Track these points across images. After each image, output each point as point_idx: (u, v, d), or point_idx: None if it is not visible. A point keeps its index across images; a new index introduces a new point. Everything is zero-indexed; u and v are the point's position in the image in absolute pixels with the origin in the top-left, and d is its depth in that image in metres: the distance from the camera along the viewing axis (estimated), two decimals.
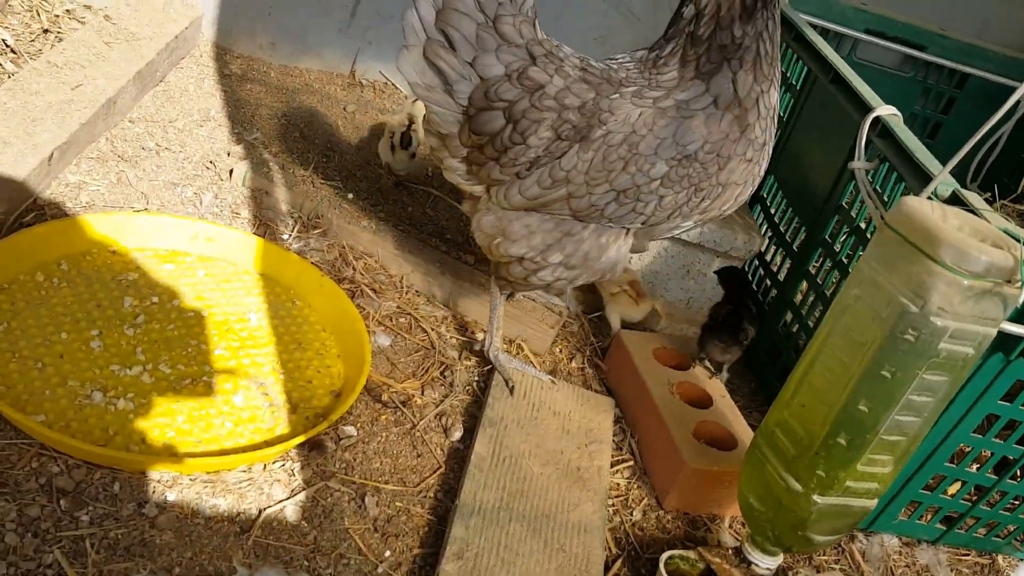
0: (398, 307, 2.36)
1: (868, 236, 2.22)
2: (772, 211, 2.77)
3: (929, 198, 1.84)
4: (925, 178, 1.93)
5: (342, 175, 2.73)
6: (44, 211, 2.12)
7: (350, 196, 2.62)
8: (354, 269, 2.40)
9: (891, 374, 1.56)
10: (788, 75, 2.78)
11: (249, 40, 3.17)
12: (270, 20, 3.13)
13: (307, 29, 3.17)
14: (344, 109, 3.15)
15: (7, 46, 2.62)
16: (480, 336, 2.37)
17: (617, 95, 1.83)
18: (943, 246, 1.46)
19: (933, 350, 1.52)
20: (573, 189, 1.86)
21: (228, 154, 2.62)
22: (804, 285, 2.51)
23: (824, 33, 3.02)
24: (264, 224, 2.43)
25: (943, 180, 1.82)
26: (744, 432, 2.17)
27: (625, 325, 2.52)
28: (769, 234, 2.78)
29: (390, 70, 3.32)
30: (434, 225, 2.72)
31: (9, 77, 2.49)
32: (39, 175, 2.12)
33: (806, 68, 2.63)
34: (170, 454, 1.68)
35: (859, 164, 2.12)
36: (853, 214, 2.30)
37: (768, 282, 2.74)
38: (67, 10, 2.90)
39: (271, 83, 3.12)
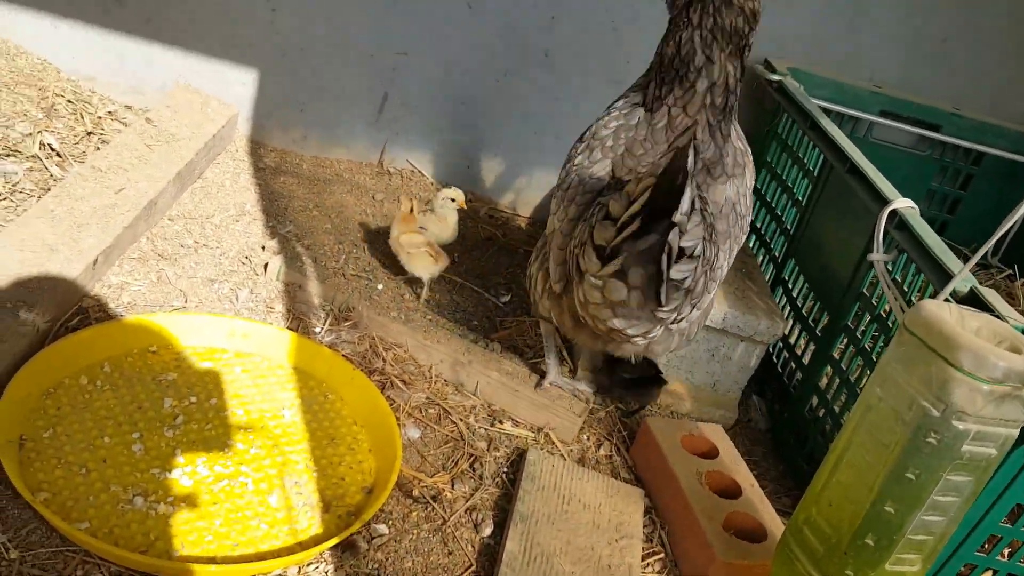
0: (427, 398, 2.41)
1: (890, 324, 2.25)
2: (794, 295, 2.81)
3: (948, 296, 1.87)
4: (944, 272, 1.96)
5: (372, 265, 2.82)
6: (88, 314, 2.21)
7: (379, 287, 2.70)
8: (384, 360, 2.46)
9: (916, 476, 1.58)
10: (805, 161, 2.84)
11: (283, 134, 3.30)
12: (302, 115, 3.26)
13: (338, 122, 3.30)
14: (373, 198, 3.25)
15: (53, 150, 2.76)
16: (508, 425, 2.41)
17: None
18: (961, 351, 1.49)
19: (956, 452, 1.55)
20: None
21: (263, 248, 2.72)
22: (829, 369, 2.54)
23: (839, 117, 3.10)
24: (297, 318, 2.51)
25: (963, 278, 1.85)
26: (774, 523, 2.17)
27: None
28: (792, 318, 2.81)
29: (416, 158, 3.43)
30: (461, 312, 2.78)
31: (56, 181, 2.62)
32: (84, 279, 2.22)
33: (822, 156, 2.69)
34: (209, 560, 1.72)
35: (878, 256, 2.16)
36: (874, 301, 2.34)
37: (793, 365, 2.76)
38: (109, 112, 3.05)
39: (303, 174, 3.24)
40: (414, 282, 2.80)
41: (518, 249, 3.26)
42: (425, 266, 2.71)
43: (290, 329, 2.40)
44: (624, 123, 2.11)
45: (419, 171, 3.46)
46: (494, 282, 3.01)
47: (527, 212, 3.54)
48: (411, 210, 2.79)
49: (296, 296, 2.56)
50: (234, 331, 2.31)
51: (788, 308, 2.84)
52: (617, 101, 2.21)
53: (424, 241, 2.73)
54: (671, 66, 2.01)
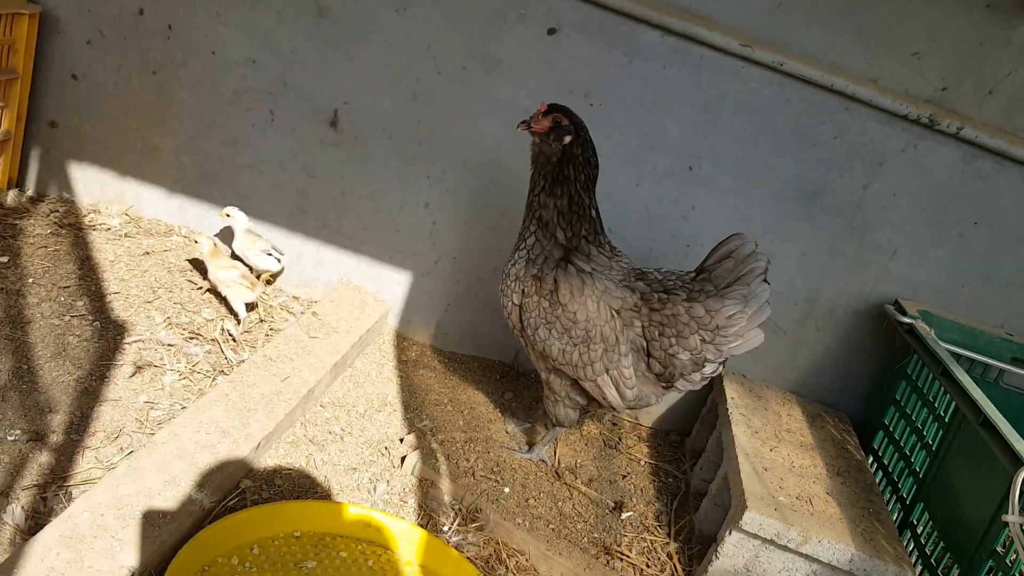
0: None
1: None
2: (923, 541, 2.74)
3: None
4: None
5: (500, 467, 2.95)
6: (246, 495, 2.41)
7: (506, 491, 2.81)
8: (507, 568, 2.53)
9: None
10: (936, 405, 2.85)
11: (425, 330, 3.57)
12: (446, 314, 3.54)
13: (479, 324, 3.56)
14: (503, 396, 3.43)
15: (230, 335, 3.10)
16: None
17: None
18: None
19: None
20: None
21: (401, 440, 2.90)
22: None
23: (969, 361, 3.11)
24: (428, 514, 2.64)
25: None
26: None
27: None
28: (920, 565, 2.73)
29: None
30: (584, 523, 2.84)
31: (233, 365, 2.93)
32: (247, 462, 2.45)
33: (954, 403, 2.71)
34: None
35: (1013, 518, 2.13)
36: (1008, 562, 2.27)
37: None
38: (282, 303, 3.40)
39: (440, 369, 3.47)
40: (233, 312, 3.19)
41: (639, 460, 3.33)
42: (243, 296, 3.12)
43: (420, 526, 2.53)
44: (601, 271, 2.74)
45: None
46: (612, 493, 3.07)
47: (648, 422, 3.63)
48: (215, 245, 3.18)
49: (428, 492, 2.70)
50: (370, 523, 2.45)
51: (916, 554, 2.76)
52: (530, 268, 2.77)
53: (240, 273, 3.13)
54: (574, 212, 2.72)
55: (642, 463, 3.33)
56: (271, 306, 3.37)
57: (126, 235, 3.43)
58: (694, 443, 3.46)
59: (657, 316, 2.68)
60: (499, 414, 3.30)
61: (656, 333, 2.68)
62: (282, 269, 3.48)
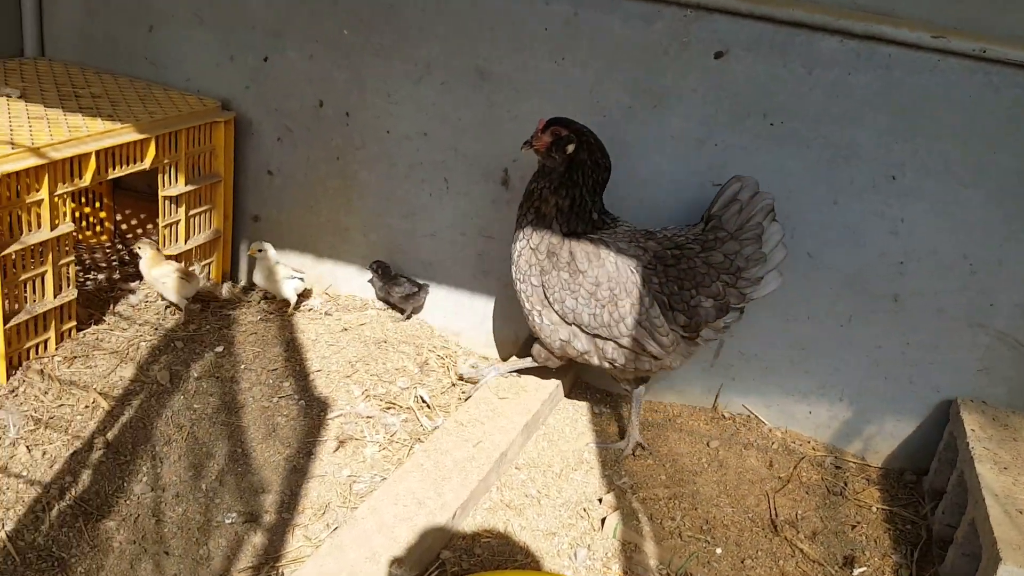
0: None
1: None
2: None
3: None
4: None
5: (709, 524, 2.74)
6: (445, 567, 2.39)
7: (718, 551, 2.61)
8: None
9: None
10: None
11: None
12: None
13: (673, 373, 3.38)
14: (708, 444, 3.22)
15: (424, 402, 3.14)
16: None
17: None
18: None
19: None
20: None
21: (599, 500, 2.78)
22: None
23: None
24: None
25: None
26: None
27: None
28: None
29: (751, 402, 3.38)
30: None
31: (427, 432, 2.96)
32: (444, 532, 2.43)
33: None
34: None
35: None
36: None
37: None
38: (471, 364, 3.42)
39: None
40: (172, 305, 3.32)
41: (870, 506, 2.99)
42: (179, 288, 3.20)
43: None
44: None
45: (755, 416, 3.38)
46: (841, 546, 2.76)
47: (877, 462, 3.26)
48: (157, 250, 3.26)
49: (632, 557, 2.55)
50: None
51: None
52: (539, 249, 2.87)
53: (173, 268, 3.22)
54: (574, 212, 2.81)
55: (873, 509, 2.98)
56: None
57: (326, 313, 3.62)
58: (933, 482, 3.06)
59: (673, 271, 2.79)
60: (704, 465, 3.09)
61: (676, 288, 2.79)
62: (306, 288, 3.64)
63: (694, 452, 3.17)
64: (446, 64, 3.28)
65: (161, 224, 3.34)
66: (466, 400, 3.08)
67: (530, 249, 2.88)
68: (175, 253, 3.39)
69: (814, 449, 3.26)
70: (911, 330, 3.10)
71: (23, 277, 2.77)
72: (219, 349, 3.17)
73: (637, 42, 3.06)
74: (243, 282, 3.83)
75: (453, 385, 3.30)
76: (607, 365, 2.91)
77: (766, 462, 3.14)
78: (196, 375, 2.98)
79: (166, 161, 3.24)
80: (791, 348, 3.24)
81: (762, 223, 2.78)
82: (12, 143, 2.68)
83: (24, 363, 2.84)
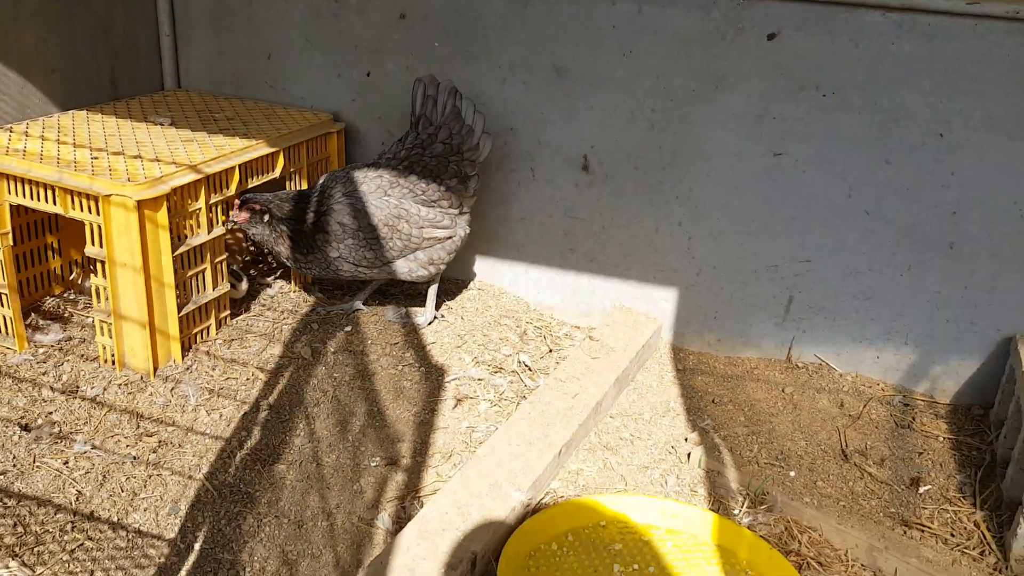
0: None
1: None
2: None
3: None
4: None
5: (784, 455, 3.09)
6: (556, 492, 2.82)
7: (792, 474, 2.96)
8: (799, 543, 2.68)
9: None
10: None
11: (698, 339, 3.81)
12: (716, 321, 3.76)
13: (748, 326, 3.73)
14: (783, 391, 3.56)
15: (526, 366, 3.58)
16: None
17: None
18: None
19: None
20: None
21: (685, 439, 3.17)
22: None
23: None
24: (717, 501, 2.87)
25: None
26: None
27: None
28: None
29: (823, 352, 3.69)
30: (877, 500, 2.90)
31: (529, 390, 3.40)
32: (553, 467, 2.86)
33: None
34: None
35: None
36: None
37: None
38: (565, 333, 3.85)
39: (717, 373, 3.68)
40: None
41: (936, 436, 3.28)
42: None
43: (712, 511, 2.77)
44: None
45: (827, 364, 3.70)
46: (908, 470, 3.06)
47: (945, 399, 3.54)
48: None
49: (716, 481, 2.93)
50: (665, 511, 2.74)
51: None
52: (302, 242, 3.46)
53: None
54: (296, 241, 3.45)
55: (940, 439, 3.27)
56: (556, 338, 3.82)
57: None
58: (997, 413, 3.32)
59: (415, 177, 3.47)
60: (780, 408, 3.43)
61: (425, 186, 3.47)
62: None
63: (770, 398, 3.51)
64: (526, 65, 3.70)
65: None
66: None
67: (295, 248, 3.50)
68: None
69: (883, 391, 3.56)
70: (968, 274, 3.37)
71: (189, 274, 3.33)
72: (348, 328, 3.68)
73: (696, 30, 3.42)
74: None
75: (550, 351, 3.73)
76: (425, 272, 3.60)
77: (837, 403, 3.46)
78: (332, 350, 3.49)
79: (292, 170, 3.76)
80: (856, 299, 3.55)
81: (456, 104, 3.48)
82: (174, 162, 3.23)
83: (193, 346, 3.40)
